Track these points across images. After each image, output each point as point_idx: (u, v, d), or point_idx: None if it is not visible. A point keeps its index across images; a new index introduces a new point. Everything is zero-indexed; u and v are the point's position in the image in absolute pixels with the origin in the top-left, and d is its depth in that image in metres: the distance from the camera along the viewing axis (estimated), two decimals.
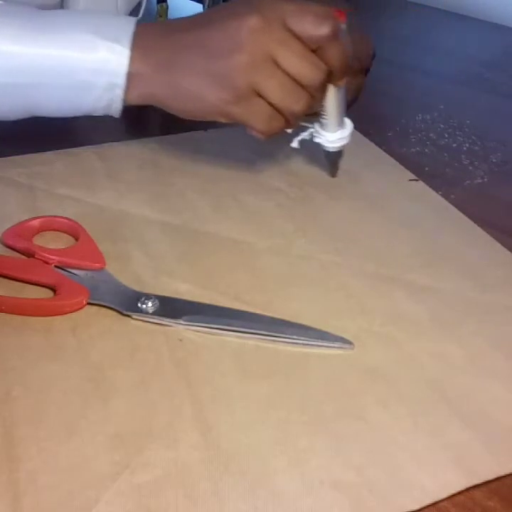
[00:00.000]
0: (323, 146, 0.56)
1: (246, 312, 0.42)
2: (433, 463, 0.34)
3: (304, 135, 0.56)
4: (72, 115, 0.52)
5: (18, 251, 0.46)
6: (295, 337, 0.40)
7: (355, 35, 0.64)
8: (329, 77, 0.50)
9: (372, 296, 0.44)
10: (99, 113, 0.52)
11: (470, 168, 0.62)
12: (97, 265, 0.44)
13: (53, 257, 0.44)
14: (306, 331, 0.40)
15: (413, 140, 0.66)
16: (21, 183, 0.54)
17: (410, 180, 0.58)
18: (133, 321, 0.41)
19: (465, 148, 0.65)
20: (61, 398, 0.36)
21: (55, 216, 0.49)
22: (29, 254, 0.45)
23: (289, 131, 0.53)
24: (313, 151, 0.62)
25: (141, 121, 0.68)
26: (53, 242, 0.47)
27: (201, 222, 0.51)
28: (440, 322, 0.42)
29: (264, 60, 0.47)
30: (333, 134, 0.55)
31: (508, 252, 0.49)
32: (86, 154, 0.59)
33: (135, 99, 0.50)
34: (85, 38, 0.48)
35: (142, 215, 0.51)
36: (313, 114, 0.55)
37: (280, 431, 0.35)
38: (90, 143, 0.60)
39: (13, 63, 0.47)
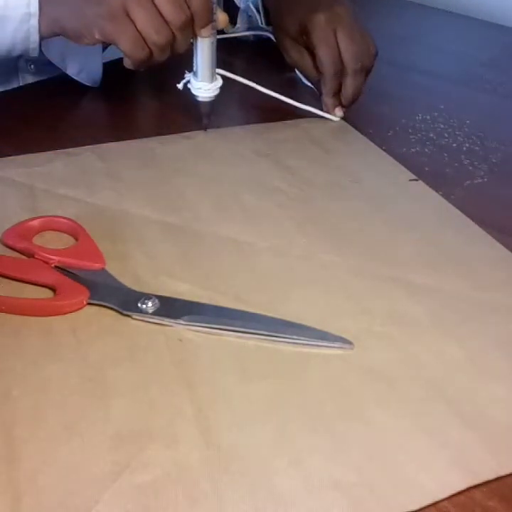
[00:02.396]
0: (194, 93, 0.61)
1: (246, 312, 0.42)
2: (433, 463, 0.33)
3: (186, 79, 0.61)
4: None
5: (18, 251, 0.46)
6: (295, 337, 0.40)
7: (356, 35, 0.64)
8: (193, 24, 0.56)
9: (372, 296, 0.44)
10: (19, 48, 0.58)
11: (470, 168, 0.62)
12: (97, 265, 0.44)
13: (53, 257, 0.44)
14: (306, 331, 0.40)
15: (413, 140, 0.66)
16: (21, 183, 0.54)
17: (410, 180, 0.58)
18: (133, 321, 0.41)
19: (465, 148, 0.65)
20: (61, 398, 0.36)
21: (55, 216, 0.49)
22: (29, 254, 0.45)
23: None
24: (314, 151, 0.62)
25: (141, 120, 0.68)
26: (53, 242, 0.47)
27: (201, 222, 0.51)
28: (440, 322, 0.42)
29: None
30: (199, 82, 0.61)
31: (509, 252, 0.49)
32: (86, 154, 0.59)
33: (47, 30, 0.57)
34: None
35: (142, 215, 0.51)
36: None
37: (280, 431, 0.35)
38: (90, 143, 0.60)
39: None
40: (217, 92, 0.62)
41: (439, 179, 0.58)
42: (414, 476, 0.33)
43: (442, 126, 0.69)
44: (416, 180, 0.58)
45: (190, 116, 0.64)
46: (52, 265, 0.44)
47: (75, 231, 0.47)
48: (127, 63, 0.57)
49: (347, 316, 0.42)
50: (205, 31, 0.57)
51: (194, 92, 0.61)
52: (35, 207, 0.51)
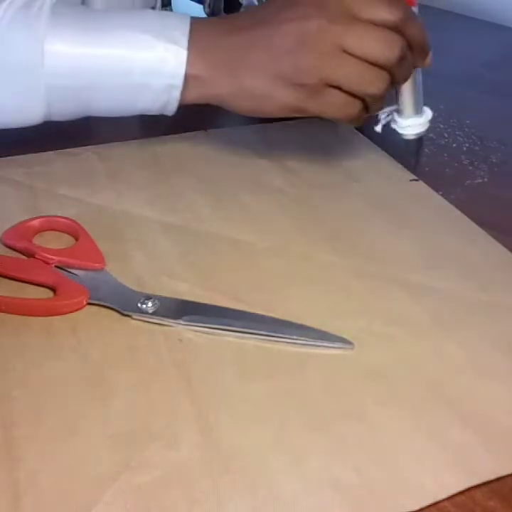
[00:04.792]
0: (398, 132, 0.56)
1: (246, 312, 0.42)
2: (433, 463, 0.33)
3: (385, 119, 0.55)
4: (125, 115, 0.53)
5: (18, 251, 0.46)
6: (295, 337, 0.40)
7: None
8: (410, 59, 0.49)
9: (373, 296, 0.44)
10: (154, 113, 0.52)
11: (470, 168, 0.62)
12: (97, 265, 0.44)
13: (53, 257, 0.44)
14: (306, 331, 0.40)
15: None
16: (21, 183, 0.54)
17: (410, 180, 0.58)
18: (133, 321, 0.41)
19: (465, 148, 0.65)
20: (61, 398, 0.36)
21: (55, 216, 0.49)
22: (29, 254, 0.45)
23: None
24: (314, 151, 0.62)
25: (142, 121, 0.68)
26: (53, 242, 0.47)
27: (201, 222, 0.51)
28: (440, 322, 0.42)
29: (333, 54, 0.46)
30: (406, 120, 0.54)
31: (508, 252, 0.49)
32: (86, 154, 0.59)
33: (193, 100, 0.51)
34: (142, 39, 0.48)
35: (142, 215, 0.51)
36: None
37: (280, 431, 0.35)
38: (90, 143, 0.60)
39: (71, 65, 0.47)
40: (427, 126, 0.55)
41: (439, 179, 0.58)
42: (414, 476, 0.33)
43: (442, 126, 0.69)
44: (416, 180, 0.58)
45: (190, 116, 0.64)
46: (52, 265, 0.44)
47: (75, 231, 0.47)
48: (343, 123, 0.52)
49: (347, 316, 0.42)
50: (424, 62, 0.51)
51: (401, 131, 0.55)
52: (36, 207, 0.51)
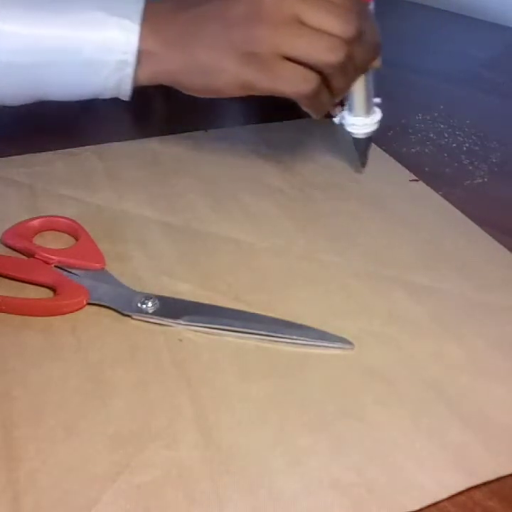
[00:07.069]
0: (348, 130, 0.55)
1: (246, 312, 0.42)
2: (433, 463, 0.33)
3: (341, 114, 0.55)
4: (79, 98, 0.51)
5: (18, 251, 0.46)
6: (295, 337, 0.40)
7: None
8: None
9: (373, 296, 0.44)
10: (108, 95, 0.50)
11: (470, 168, 0.62)
12: (97, 265, 0.44)
13: (53, 257, 0.44)
14: (306, 331, 0.40)
15: (413, 140, 0.66)
16: (21, 183, 0.54)
17: (410, 180, 0.58)
18: (133, 321, 0.41)
19: (465, 148, 0.65)
20: (61, 398, 0.36)
21: (55, 216, 0.49)
22: (29, 254, 0.45)
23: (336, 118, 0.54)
24: (314, 151, 0.62)
25: (142, 121, 0.68)
26: (53, 242, 0.47)
27: (201, 222, 0.51)
28: (440, 322, 0.42)
29: (288, 24, 0.45)
30: (357, 118, 0.54)
31: (508, 252, 0.49)
32: (86, 154, 0.59)
33: (147, 79, 0.49)
34: (93, 15, 0.47)
35: (142, 215, 0.51)
36: None
37: (280, 431, 0.35)
38: (90, 143, 0.60)
39: (19, 43, 0.46)
40: (375, 127, 0.55)
41: (439, 179, 0.58)
42: (414, 476, 0.33)
43: (442, 126, 0.69)
44: (416, 180, 0.58)
45: (190, 116, 0.64)
46: (52, 265, 0.44)
47: (75, 231, 0.47)
48: (310, 112, 0.50)
49: (347, 316, 0.42)
50: (377, 62, 0.50)
51: (348, 128, 0.55)
52: (36, 207, 0.51)
